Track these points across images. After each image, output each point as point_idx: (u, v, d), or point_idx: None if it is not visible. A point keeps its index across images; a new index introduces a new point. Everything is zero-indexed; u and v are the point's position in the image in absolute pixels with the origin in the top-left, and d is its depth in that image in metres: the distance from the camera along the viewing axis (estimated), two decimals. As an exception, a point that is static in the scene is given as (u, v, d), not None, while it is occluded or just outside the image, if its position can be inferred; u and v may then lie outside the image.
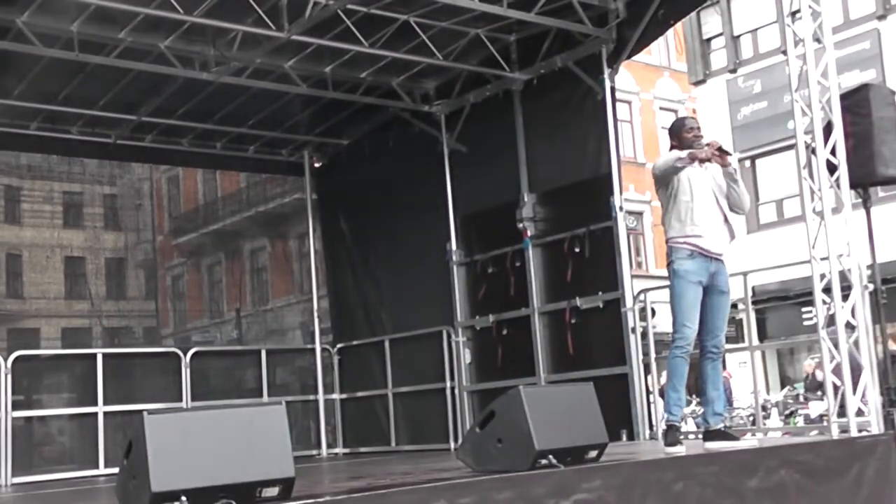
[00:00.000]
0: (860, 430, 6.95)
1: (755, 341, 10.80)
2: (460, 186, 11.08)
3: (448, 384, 10.88)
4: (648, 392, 9.25)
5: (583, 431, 5.81)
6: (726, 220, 6.74)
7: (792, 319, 20.00)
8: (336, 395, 12.29)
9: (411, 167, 11.52)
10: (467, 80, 10.85)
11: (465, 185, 11.02)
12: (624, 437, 8.99)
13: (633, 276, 9.61)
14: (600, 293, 9.54)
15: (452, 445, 10.30)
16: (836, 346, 7.06)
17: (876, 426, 7.00)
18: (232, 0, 8.68)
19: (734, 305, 7.87)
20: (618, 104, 9.93)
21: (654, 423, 9.12)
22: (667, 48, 31.71)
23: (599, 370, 9.12)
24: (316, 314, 12.61)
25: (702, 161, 6.59)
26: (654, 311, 9.32)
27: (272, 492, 4.49)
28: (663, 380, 7.70)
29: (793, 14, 7.49)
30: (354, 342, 12.23)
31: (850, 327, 7.11)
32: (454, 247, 11.08)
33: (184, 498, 4.21)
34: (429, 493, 4.68)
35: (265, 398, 11.50)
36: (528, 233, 10.28)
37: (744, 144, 22.21)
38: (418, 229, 11.41)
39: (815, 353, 15.20)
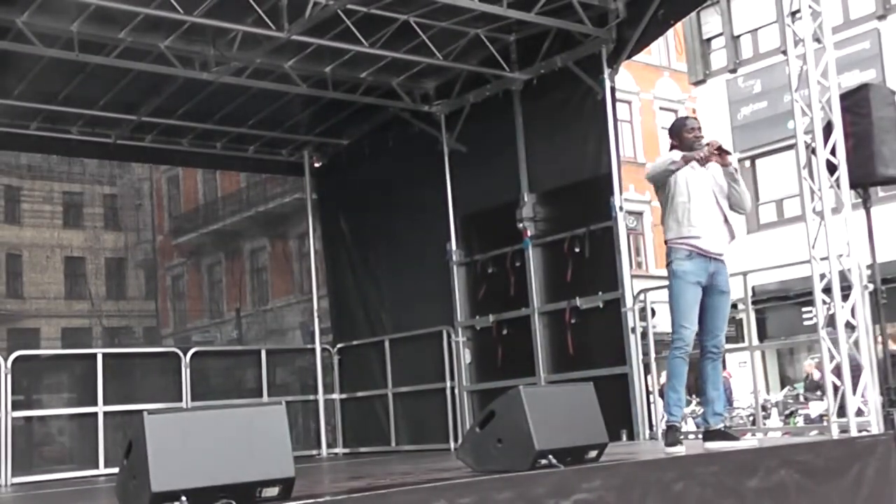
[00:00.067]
0: (860, 430, 6.95)
1: (755, 341, 10.78)
2: (460, 186, 11.07)
3: (448, 384, 10.88)
4: (648, 392, 9.25)
5: (583, 431, 5.81)
6: (726, 220, 6.72)
7: (792, 319, 19.99)
8: (336, 395, 12.29)
9: (411, 167, 11.52)
10: (467, 80, 10.85)
11: (465, 185, 11.01)
12: (624, 437, 8.99)
13: (632, 276, 9.61)
14: (600, 293, 9.54)
15: (452, 445, 10.29)
16: (835, 346, 7.07)
17: (876, 426, 7.00)
18: (232, 0, 8.68)
19: (734, 305, 7.85)
20: (618, 104, 9.93)
21: (654, 423, 9.12)
22: (667, 48, 31.70)
23: (599, 370, 9.13)
24: (316, 314, 12.60)
25: (700, 161, 6.58)
26: (654, 311, 9.31)
27: (272, 492, 4.49)
28: (663, 380, 7.69)
29: (793, 14, 7.50)
30: (354, 342, 12.23)
31: (849, 327, 7.12)
32: (454, 247, 11.08)
33: (184, 498, 4.21)
34: (429, 493, 4.68)
35: (265, 398, 11.50)
36: (528, 233, 10.28)
37: (744, 144, 22.21)
38: (418, 229, 11.41)
39: (815, 353, 15.22)
